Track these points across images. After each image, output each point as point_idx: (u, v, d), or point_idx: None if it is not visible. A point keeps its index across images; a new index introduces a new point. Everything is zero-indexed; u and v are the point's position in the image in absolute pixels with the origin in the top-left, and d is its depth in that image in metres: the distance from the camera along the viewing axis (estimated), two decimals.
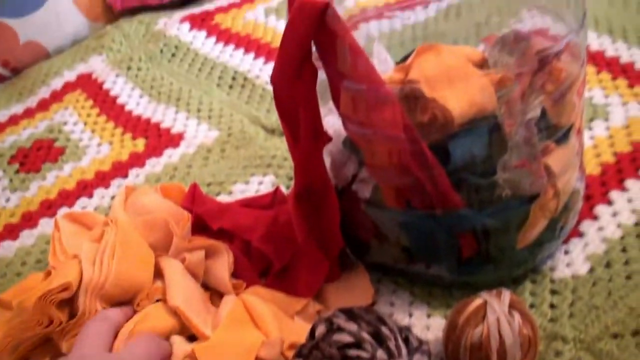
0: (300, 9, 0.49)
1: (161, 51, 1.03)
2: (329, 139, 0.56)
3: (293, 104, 0.53)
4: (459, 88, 0.53)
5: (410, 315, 0.60)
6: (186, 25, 1.06)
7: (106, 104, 0.95)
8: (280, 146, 0.81)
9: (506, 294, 0.52)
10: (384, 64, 0.66)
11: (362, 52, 0.50)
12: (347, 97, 0.53)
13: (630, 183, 0.67)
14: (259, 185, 0.77)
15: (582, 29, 0.57)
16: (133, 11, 1.14)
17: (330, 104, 0.56)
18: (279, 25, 1.04)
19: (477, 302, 0.53)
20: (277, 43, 0.97)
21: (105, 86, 0.98)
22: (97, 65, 1.03)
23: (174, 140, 0.86)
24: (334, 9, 0.48)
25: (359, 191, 0.59)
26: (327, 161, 0.62)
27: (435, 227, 0.56)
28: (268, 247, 0.62)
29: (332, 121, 0.58)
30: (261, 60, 0.97)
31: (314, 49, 0.53)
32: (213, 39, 1.03)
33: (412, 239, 0.59)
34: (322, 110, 0.57)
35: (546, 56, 0.54)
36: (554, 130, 0.56)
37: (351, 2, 0.95)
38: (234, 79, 0.95)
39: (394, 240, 0.60)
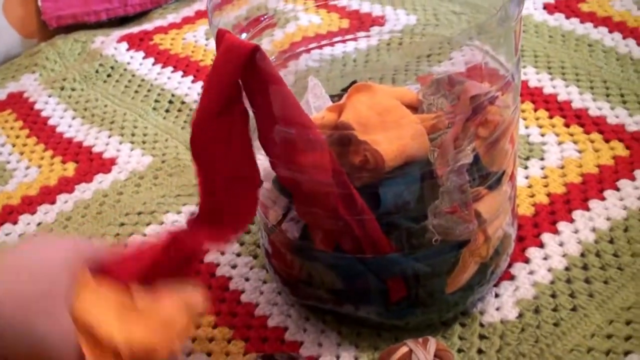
0: (228, 50, 0.47)
1: (97, 71, 1.00)
2: (261, 182, 0.54)
3: (214, 147, 0.50)
4: (392, 132, 0.53)
5: (338, 357, 0.59)
6: (124, 45, 1.04)
7: (37, 125, 0.92)
8: None
9: (432, 343, 0.52)
10: (319, 99, 0.65)
11: (292, 96, 0.49)
12: (275, 140, 0.51)
13: (562, 226, 0.68)
14: (192, 215, 0.75)
15: (516, 74, 0.57)
16: (69, 29, 1.11)
17: (257, 143, 0.55)
18: None
19: (403, 350, 0.52)
20: None
21: (37, 106, 0.95)
22: (29, 84, 1.00)
23: (106, 165, 0.84)
24: (263, 53, 0.47)
25: (288, 231, 0.58)
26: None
27: (364, 271, 0.55)
28: None
29: (261, 160, 0.57)
30: (199, 84, 0.95)
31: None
32: (151, 60, 1.01)
33: (340, 281, 0.57)
34: None
35: (480, 102, 0.54)
36: (486, 177, 0.56)
37: (293, 27, 0.94)
38: (170, 102, 0.93)
39: (322, 281, 0.59)
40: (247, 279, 0.67)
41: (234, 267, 0.68)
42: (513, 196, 0.61)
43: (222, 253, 0.70)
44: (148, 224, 0.74)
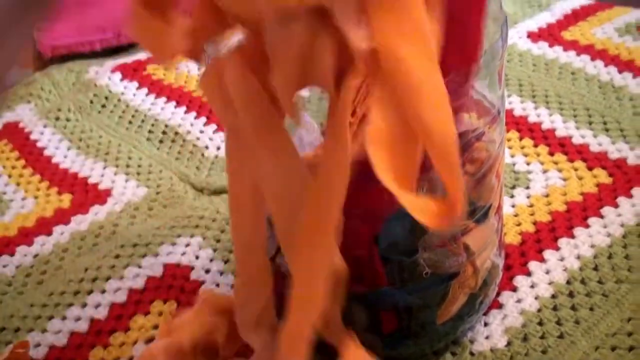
0: None
1: (91, 102, 1.01)
2: None
3: None
4: None
5: None
6: (117, 75, 1.05)
7: (32, 155, 0.93)
8: (208, 206, 0.81)
9: None
10: (311, 133, 0.67)
11: None
12: None
13: (548, 254, 0.70)
14: (186, 247, 0.76)
15: (502, 108, 0.59)
16: (64, 58, 1.13)
17: None
18: None
19: None
20: None
21: (33, 137, 0.97)
22: (25, 115, 1.01)
23: (101, 196, 0.85)
24: None
25: (282, 265, 0.59)
26: None
27: (358, 304, 0.57)
28: None
29: None
30: (193, 114, 0.97)
31: None
32: (145, 90, 1.03)
33: None
34: None
35: (468, 139, 0.56)
36: (474, 211, 0.58)
37: None
38: (164, 133, 0.94)
39: None
40: None
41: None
42: (500, 228, 0.63)
43: (217, 285, 0.72)
44: (143, 256, 0.76)
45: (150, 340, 0.67)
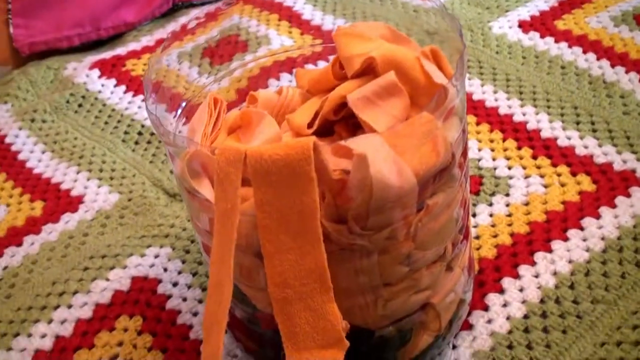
0: None
1: (67, 101, 0.99)
2: None
3: None
4: None
5: None
6: (95, 72, 1.03)
7: (6, 160, 0.92)
8: (179, 214, 0.79)
9: None
10: None
11: None
12: None
13: (523, 269, 0.67)
14: (155, 258, 0.75)
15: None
16: (42, 55, 1.10)
17: None
18: (192, 72, 1.01)
19: None
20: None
21: (7, 140, 0.95)
22: (1, 116, 1.00)
23: (73, 203, 0.83)
24: None
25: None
26: None
27: None
28: None
29: None
30: (172, 113, 0.94)
31: None
32: (122, 87, 1.00)
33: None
34: None
35: None
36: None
37: (264, 50, 0.93)
38: (140, 134, 0.92)
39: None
40: None
41: (195, 314, 0.68)
42: (468, 261, 0.60)
43: (184, 299, 0.70)
44: (111, 268, 0.74)
45: (113, 358, 0.66)
